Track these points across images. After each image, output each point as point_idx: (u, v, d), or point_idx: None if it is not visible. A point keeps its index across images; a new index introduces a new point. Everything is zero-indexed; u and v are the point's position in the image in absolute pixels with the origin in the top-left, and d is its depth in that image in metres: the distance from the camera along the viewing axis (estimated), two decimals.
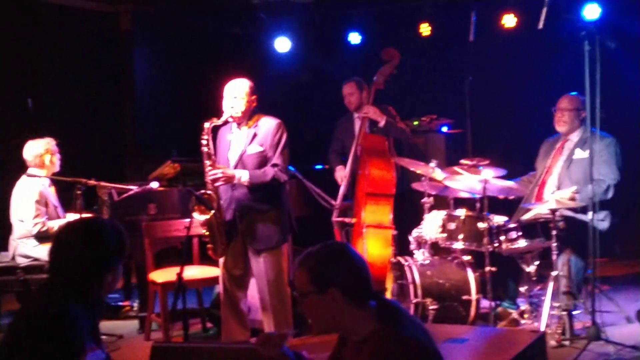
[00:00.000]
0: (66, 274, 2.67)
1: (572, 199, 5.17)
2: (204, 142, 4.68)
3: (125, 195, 5.61)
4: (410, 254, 5.60)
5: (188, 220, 4.51)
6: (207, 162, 4.70)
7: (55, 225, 5.54)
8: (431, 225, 5.51)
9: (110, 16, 8.53)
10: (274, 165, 4.74)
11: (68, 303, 2.60)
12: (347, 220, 6.25)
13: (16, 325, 2.65)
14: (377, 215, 6.05)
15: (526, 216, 5.43)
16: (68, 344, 2.52)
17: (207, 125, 4.68)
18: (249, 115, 4.81)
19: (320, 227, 6.57)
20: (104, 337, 5.57)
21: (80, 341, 2.55)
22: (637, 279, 6.75)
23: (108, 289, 2.78)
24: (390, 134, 6.37)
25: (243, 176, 4.68)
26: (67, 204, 5.82)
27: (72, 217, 5.55)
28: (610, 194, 5.31)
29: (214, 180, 4.66)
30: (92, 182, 5.51)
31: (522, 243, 5.12)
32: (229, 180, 4.68)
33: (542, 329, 4.85)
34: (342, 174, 6.50)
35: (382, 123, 6.32)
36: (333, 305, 2.43)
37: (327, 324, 2.50)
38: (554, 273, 5.03)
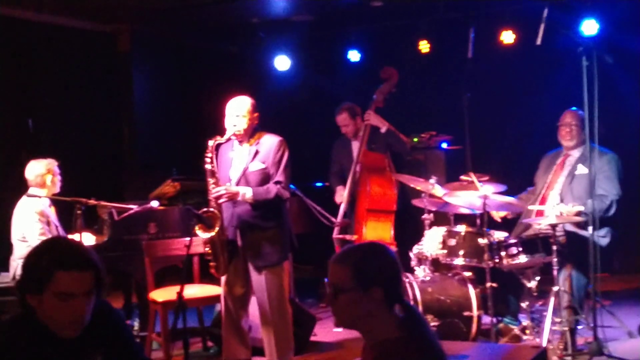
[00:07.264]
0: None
1: (578, 213, 5.16)
2: (207, 159, 4.67)
3: (125, 214, 5.61)
4: (411, 271, 5.59)
5: (188, 239, 4.50)
6: (211, 180, 4.69)
7: None
8: (431, 242, 5.51)
9: (108, 36, 8.57)
10: (277, 182, 4.74)
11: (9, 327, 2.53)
12: (347, 237, 6.22)
13: None
14: (378, 231, 6.05)
15: (529, 231, 5.42)
16: None
17: (211, 143, 4.68)
18: (251, 132, 4.82)
19: (320, 244, 6.57)
20: None
21: None
22: (637, 293, 6.75)
23: (45, 316, 2.49)
24: (391, 142, 6.39)
25: (247, 193, 4.68)
26: (67, 224, 5.81)
27: (72, 237, 5.54)
28: (612, 211, 5.28)
29: (218, 198, 4.66)
30: (92, 201, 5.50)
31: (522, 258, 5.12)
32: (232, 197, 4.67)
33: (544, 344, 4.83)
34: (341, 194, 6.49)
35: (383, 129, 6.37)
36: (371, 304, 2.40)
37: (354, 322, 2.44)
38: (555, 288, 5.01)
